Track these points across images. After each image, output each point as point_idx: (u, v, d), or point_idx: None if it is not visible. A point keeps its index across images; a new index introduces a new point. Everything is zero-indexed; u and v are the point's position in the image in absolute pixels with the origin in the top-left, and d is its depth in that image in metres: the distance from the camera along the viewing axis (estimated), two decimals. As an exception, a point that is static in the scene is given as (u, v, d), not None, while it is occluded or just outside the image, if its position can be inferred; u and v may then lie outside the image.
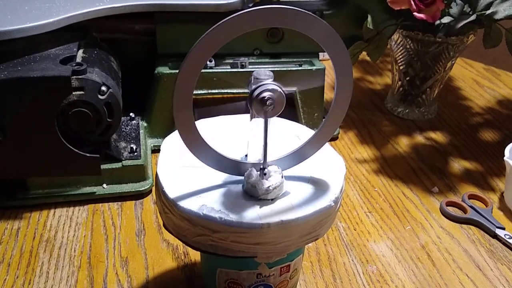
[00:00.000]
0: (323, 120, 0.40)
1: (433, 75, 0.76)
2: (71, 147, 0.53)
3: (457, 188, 0.64)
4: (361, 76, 0.94)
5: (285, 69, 0.68)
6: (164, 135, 0.65)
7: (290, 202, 0.38)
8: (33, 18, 0.53)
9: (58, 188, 0.58)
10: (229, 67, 0.67)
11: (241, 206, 0.37)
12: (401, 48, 0.75)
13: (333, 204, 0.38)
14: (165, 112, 0.66)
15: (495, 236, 0.56)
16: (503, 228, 0.57)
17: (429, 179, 0.66)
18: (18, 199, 0.57)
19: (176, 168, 0.41)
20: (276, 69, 0.67)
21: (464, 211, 0.60)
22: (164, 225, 0.40)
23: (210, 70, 0.66)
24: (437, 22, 0.67)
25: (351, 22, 0.70)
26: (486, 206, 0.61)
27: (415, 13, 0.64)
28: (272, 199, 0.38)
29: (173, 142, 0.43)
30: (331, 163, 0.43)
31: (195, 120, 0.36)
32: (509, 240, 0.55)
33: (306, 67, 0.69)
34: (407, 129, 0.77)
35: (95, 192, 0.59)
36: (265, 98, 0.35)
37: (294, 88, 0.69)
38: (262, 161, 0.39)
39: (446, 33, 0.69)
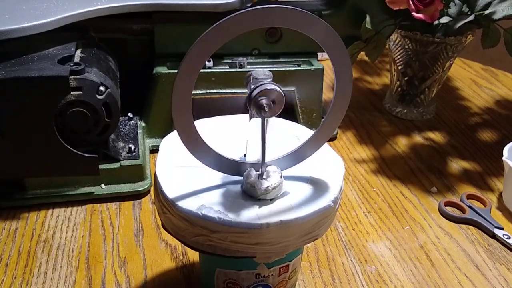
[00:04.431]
0: (322, 120, 0.40)
1: (431, 75, 0.76)
2: (69, 147, 0.53)
3: (456, 188, 0.64)
4: (359, 76, 0.94)
5: (283, 69, 0.68)
6: (162, 135, 0.65)
7: (289, 202, 0.38)
8: (31, 18, 0.53)
9: (56, 188, 0.58)
10: (228, 67, 0.67)
11: (240, 206, 0.37)
12: (399, 48, 0.75)
13: (332, 204, 0.38)
14: (163, 112, 0.66)
15: (494, 236, 0.56)
16: (502, 228, 0.57)
17: (428, 179, 0.66)
18: (15, 199, 0.57)
19: (175, 168, 0.41)
20: (274, 69, 0.67)
21: (463, 211, 0.60)
22: (162, 225, 0.40)
23: (209, 70, 0.66)
24: (436, 22, 0.67)
25: (349, 22, 0.70)
26: (485, 206, 0.61)
27: (413, 13, 0.64)
28: (271, 199, 0.38)
29: (171, 142, 0.43)
30: (330, 163, 0.43)
31: (194, 120, 0.36)
32: (507, 240, 0.55)
33: (304, 67, 0.68)
34: (406, 129, 0.77)
35: (93, 192, 0.58)
36: (264, 98, 0.35)
37: (292, 88, 0.68)
38: (261, 161, 0.39)
39: (445, 33, 0.69)
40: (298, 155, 0.41)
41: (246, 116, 0.39)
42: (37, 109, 0.51)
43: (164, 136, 0.44)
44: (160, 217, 0.40)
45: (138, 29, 0.66)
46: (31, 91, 0.50)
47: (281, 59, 0.70)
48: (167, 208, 0.38)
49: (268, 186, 0.37)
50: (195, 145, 0.37)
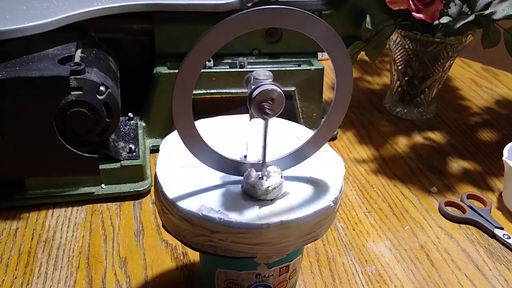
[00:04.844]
0: (323, 120, 0.40)
1: (431, 75, 0.76)
2: (69, 147, 0.53)
3: (456, 188, 0.64)
4: (359, 76, 0.94)
5: (283, 69, 0.68)
6: (162, 135, 0.65)
7: (290, 202, 0.38)
8: (31, 18, 0.53)
9: (56, 188, 0.58)
10: (228, 67, 0.67)
11: (240, 206, 0.37)
12: (399, 48, 0.75)
13: (332, 204, 0.38)
14: (163, 112, 0.66)
15: (494, 236, 0.56)
16: (502, 228, 0.57)
17: (428, 179, 0.66)
18: (16, 199, 0.57)
19: (175, 168, 0.41)
20: (275, 69, 0.67)
21: (463, 211, 0.60)
22: (163, 226, 0.40)
23: (209, 70, 0.66)
24: (436, 22, 0.67)
25: (349, 22, 0.70)
26: (485, 206, 0.61)
27: (413, 13, 0.64)
28: (271, 200, 0.38)
29: (172, 142, 0.43)
30: (330, 163, 0.43)
31: (194, 120, 0.36)
32: (507, 240, 0.55)
33: (305, 67, 0.68)
34: (406, 129, 0.77)
35: (93, 192, 0.58)
36: (265, 99, 0.35)
37: (293, 88, 0.69)
38: (261, 161, 0.39)
39: (445, 33, 0.69)
40: (299, 155, 0.41)
41: (246, 116, 0.39)
42: (37, 109, 0.51)
43: (165, 136, 0.44)
44: (160, 217, 0.40)
45: (138, 29, 0.66)
46: (32, 91, 0.50)
47: (281, 59, 0.69)
48: (168, 208, 0.38)
49: (268, 187, 0.37)
50: (196, 145, 0.37)
